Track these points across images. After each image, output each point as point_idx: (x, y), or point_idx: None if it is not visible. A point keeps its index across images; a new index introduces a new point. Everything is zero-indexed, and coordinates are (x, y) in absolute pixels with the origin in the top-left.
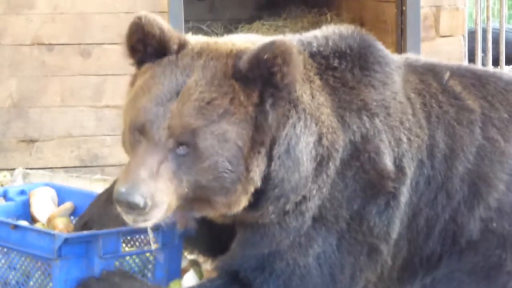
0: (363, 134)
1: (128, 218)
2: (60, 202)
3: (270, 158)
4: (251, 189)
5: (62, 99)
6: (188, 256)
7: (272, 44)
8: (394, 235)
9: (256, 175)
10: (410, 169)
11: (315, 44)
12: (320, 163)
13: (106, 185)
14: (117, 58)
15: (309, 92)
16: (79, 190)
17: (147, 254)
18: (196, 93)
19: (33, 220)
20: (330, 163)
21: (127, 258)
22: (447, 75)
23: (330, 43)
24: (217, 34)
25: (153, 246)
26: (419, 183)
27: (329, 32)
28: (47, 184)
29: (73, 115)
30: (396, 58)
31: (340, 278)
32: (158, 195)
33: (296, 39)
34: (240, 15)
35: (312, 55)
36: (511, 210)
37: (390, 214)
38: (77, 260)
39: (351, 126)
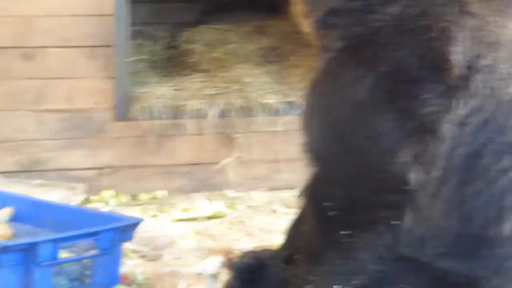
0: (443, 11)
1: None
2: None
3: None
4: None
5: (3, 103)
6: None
7: None
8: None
9: None
10: (474, 92)
11: None
12: None
13: (47, 190)
14: (60, 61)
15: None
16: (19, 195)
17: (86, 260)
18: None
19: None
20: None
21: (65, 264)
22: None
23: None
24: (162, 38)
25: (92, 252)
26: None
27: None
28: None
29: (15, 119)
30: None
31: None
32: None
33: None
34: (186, 18)
35: None
36: None
37: (441, 106)
38: (15, 268)
39: None
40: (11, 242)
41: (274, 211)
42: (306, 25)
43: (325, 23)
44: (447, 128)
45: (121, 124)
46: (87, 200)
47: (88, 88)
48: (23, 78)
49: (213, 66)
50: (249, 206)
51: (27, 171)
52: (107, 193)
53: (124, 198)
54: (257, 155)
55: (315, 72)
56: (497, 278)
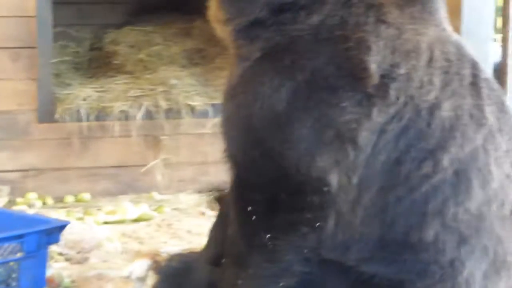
0: (360, 21)
1: None
2: None
3: None
4: None
5: None
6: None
7: None
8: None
9: None
10: (393, 100)
11: None
12: None
13: None
14: None
15: None
16: None
17: (11, 263)
18: None
19: None
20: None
21: None
22: None
23: None
24: (86, 39)
25: (18, 255)
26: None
27: None
28: None
29: None
30: None
31: None
32: None
33: None
34: (110, 20)
35: None
36: None
37: (358, 115)
38: None
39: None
40: None
41: (202, 213)
42: (223, 32)
43: (246, 33)
44: (366, 135)
45: (45, 126)
46: (11, 203)
47: (11, 89)
48: None
49: (138, 67)
50: (177, 209)
51: None
52: (32, 196)
53: (49, 201)
54: (184, 157)
55: (231, 79)
56: (421, 281)
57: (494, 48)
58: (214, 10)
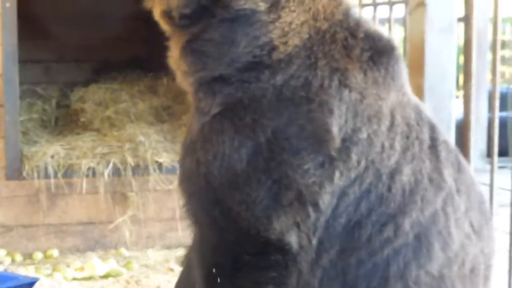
0: (324, 84)
1: None
2: None
3: None
4: None
5: None
6: None
7: None
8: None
9: None
10: (355, 163)
11: None
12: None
13: None
14: None
15: None
16: None
17: None
18: None
19: None
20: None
21: None
22: None
23: None
24: (52, 97)
25: None
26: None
27: None
28: None
29: None
30: None
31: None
32: None
33: None
34: (76, 78)
35: None
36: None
37: (321, 178)
38: None
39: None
40: None
41: (171, 269)
42: (183, 81)
43: (207, 87)
44: (327, 198)
45: (12, 183)
46: None
47: None
48: None
49: (105, 125)
50: (145, 265)
51: None
52: (0, 253)
53: (18, 257)
54: (152, 213)
55: (190, 132)
56: None
57: (456, 104)
58: (176, 57)
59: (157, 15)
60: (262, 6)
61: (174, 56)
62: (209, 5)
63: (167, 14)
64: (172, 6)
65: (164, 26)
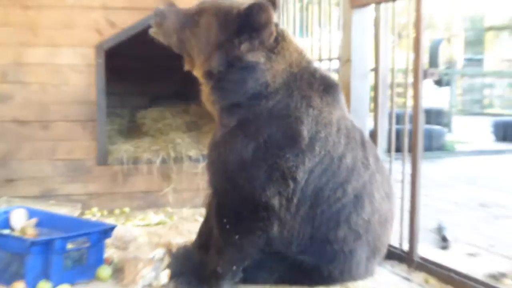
0: (297, 106)
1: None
2: (29, 218)
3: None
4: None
5: None
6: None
7: None
8: (299, 177)
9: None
10: (317, 152)
11: None
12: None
13: (58, 208)
14: (65, 130)
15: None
16: (40, 210)
17: (83, 250)
18: None
19: (12, 229)
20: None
21: (72, 253)
22: None
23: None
24: (125, 116)
25: (86, 245)
26: (320, 165)
27: None
28: (21, 207)
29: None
30: None
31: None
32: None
33: None
34: (140, 104)
35: None
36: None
37: (297, 162)
38: (39, 255)
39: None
40: (36, 239)
41: (196, 220)
42: (211, 107)
43: (228, 111)
44: (301, 174)
45: (102, 167)
46: (82, 214)
47: (81, 146)
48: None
49: (157, 132)
50: (181, 217)
51: (46, 196)
52: (94, 209)
53: (105, 213)
54: (185, 186)
55: (215, 137)
56: (332, 264)
57: (369, 121)
58: (206, 94)
59: (198, 74)
60: (262, 60)
61: (205, 92)
62: (232, 61)
63: (208, 72)
64: (213, 67)
65: (200, 77)
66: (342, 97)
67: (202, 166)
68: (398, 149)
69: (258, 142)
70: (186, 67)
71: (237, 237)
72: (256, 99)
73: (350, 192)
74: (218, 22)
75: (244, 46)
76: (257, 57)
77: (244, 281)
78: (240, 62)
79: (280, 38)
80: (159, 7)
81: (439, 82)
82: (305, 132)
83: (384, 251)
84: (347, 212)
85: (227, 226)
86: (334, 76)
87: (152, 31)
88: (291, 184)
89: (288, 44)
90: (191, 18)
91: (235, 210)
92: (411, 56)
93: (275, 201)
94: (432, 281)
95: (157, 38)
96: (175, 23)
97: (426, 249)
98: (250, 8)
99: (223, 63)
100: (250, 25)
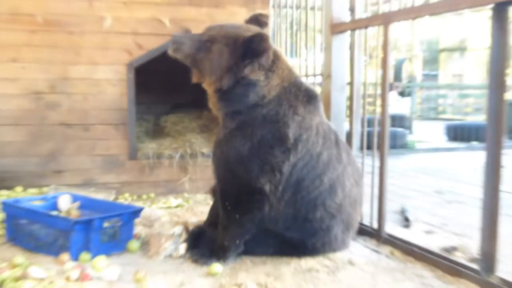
0: (285, 113)
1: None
2: (73, 202)
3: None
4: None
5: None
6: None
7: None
8: (284, 170)
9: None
10: (300, 150)
11: None
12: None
13: (96, 193)
14: (101, 133)
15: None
16: (82, 196)
17: (116, 227)
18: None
19: (59, 211)
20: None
21: (108, 230)
22: None
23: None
24: (150, 120)
25: (119, 223)
26: (302, 160)
27: None
28: (66, 193)
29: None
30: None
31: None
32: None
33: None
34: (162, 111)
35: None
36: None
37: (283, 158)
38: (81, 232)
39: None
40: (78, 218)
41: (208, 204)
42: (217, 113)
43: (230, 116)
44: (286, 168)
45: (132, 161)
46: (116, 198)
47: (116, 144)
48: None
49: (176, 134)
50: (196, 201)
51: (87, 184)
52: (126, 195)
53: (134, 198)
54: (198, 176)
55: (218, 137)
56: (314, 238)
57: (346, 124)
58: (213, 103)
59: (209, 88)
60: (261, 78)
61: (212, 101)
62: (238, 79)
63: (218, 89)
64: (223, 85)
65: (211, 91)
66: (321, 106)
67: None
68: (369, 147)
69: (253, 142)
70: (194, 80)
71: (237, 216)
72: (253, 108)
73: (326, 182)
74: (228, 50)
75: (248, 69)
76: (258, 75)
77: (245, 253)
78: (244, 80)
79: (275, 58)
80: (176, 34)
81: (402, 93)
82: (291, 134)
83: (356, 226)
84: (323, 198)
85: (229, 208)
86: (317, 89)
87: (170, 52)
88: (278, 175)
89: (281, 62)
90: (204, 45)
91: (235, 194)
92: (380, 72)
93: (267, 187)
94: (397, 253)
95: (174, 57)
96: (190, 48)
97: (392, 227)
98: (253, 38)
99: (232, 82)
100: (252, 51)
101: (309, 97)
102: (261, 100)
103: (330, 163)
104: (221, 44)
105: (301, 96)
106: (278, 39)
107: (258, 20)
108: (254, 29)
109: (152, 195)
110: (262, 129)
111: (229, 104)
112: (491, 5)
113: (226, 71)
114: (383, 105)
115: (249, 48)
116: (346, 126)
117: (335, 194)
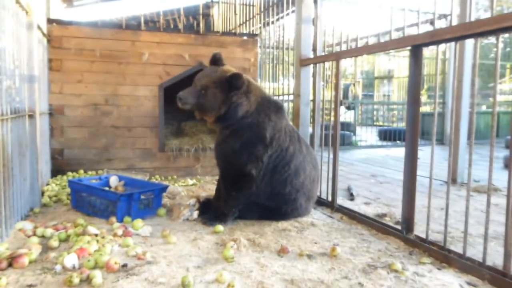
0: (263, 121)
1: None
2: (119, 181)
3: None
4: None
5: None
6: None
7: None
8: (264, 160)
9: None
10: (274, 146)
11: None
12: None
13: (135, 175)
14: (140, 131)
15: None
16: (126, 176)
17: (149, 199)
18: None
19: (109, 187)
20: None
21: (143, 201)
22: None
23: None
24: (174, 125)
25: (151, 196)
26: (276, 153)
27: None
28: (114, 175)
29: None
30: None
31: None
32: (188, 97)
33: None
34: (182, 118)
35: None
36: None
37: (263, 152)
38: (125, 202)
39: (261, 115)
40: (123, 193)
41: (214, 183)
42: (214, 128)
43: (225, 127)
44: (265, 158)
45: (161, 153)
46: (150, 179)
47: (151, 141)
48: None
49: (192, 134)
50: (206, 181)
51: (130, 169)
52: (157, 176)
53: (162, 178)
54: (207, 164)
55: (217, 140)
56: (286, 206)
57: (309, 129)
58: (211, 123)
59: (209, 119)
60: (244, 99)
61: (209, 123)
62: (229, 104)
63: (217, 117)
64: (221, 114)
65: (210, 120)
66: (285, 112)
67: None
68: (326, 144)
69: (242, 141)
70: (198, 117)
71: (234, 192)
72: (241, 119)
73: (292, 168)
74: (219, 90)
75: (234, 98)
76: (241, 99)
77: (239, 218)
78: (233, 104)
79: (249, 83)
80: (180, 93)
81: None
82: (268, 135)
83: (315, 198)
84: (290, 178)
85: (228, 187)
86: (290, 104)
87: (179, 105)
88: (260, 163)
89: (253, 85)
90: (200, 93)
91: (232, 178)
92: (333, 93)
93: (253, 172)
94: (345, 218)
95: (183, 109)
96: (193, 100)
97: (341, 200)
98: (232, 76)
99: (226, 109)
100: (234, 85)
101: (277, 107)
102: (246, 113)
103: (294, 154)
104: (213, 88)
105: (272, 107)
106: (264, 70)
107: (216, 59)
108: (226, 69)
109: (175, 176)
110: (248, 132)
111: (225, 122)
112: (409, 47)
113: (221, 104)
114: (335, 115)
115: (231, 83)
116: (310, 130)
117: (299, 175)
